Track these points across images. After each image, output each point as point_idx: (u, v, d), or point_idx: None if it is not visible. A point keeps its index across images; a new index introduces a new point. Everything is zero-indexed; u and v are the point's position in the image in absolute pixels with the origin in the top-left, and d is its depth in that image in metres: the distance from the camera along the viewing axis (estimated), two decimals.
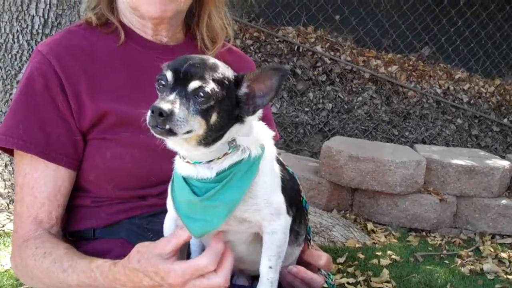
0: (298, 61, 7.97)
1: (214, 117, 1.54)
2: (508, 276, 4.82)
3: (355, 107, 7.96)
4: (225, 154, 1.63)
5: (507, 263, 5.12)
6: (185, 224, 1.73)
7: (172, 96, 1.51)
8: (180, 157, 1.69)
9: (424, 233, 5.72)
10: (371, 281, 4.50)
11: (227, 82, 1.57)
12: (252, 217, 1.72)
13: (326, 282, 2.12)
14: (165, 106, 1.47)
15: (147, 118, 1.50)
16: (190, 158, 1.65)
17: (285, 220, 1.76)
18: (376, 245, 5.20)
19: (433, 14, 8.11)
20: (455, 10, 8.01)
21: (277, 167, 1.78)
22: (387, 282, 4.50)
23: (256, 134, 1.69)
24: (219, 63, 1.60)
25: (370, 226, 5.63)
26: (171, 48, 2.27)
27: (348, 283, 4.40)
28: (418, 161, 5.66)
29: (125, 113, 2.06)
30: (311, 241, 2.17)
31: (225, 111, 1.56)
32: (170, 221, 1.84)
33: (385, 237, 5.41)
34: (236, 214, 1.68)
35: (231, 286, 2.01)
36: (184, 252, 1.83)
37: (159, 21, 2.19)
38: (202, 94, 1.51)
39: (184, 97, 1.51)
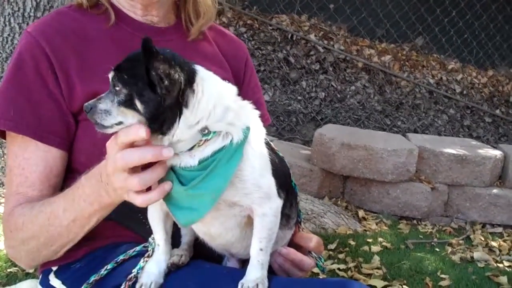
0: (292, 50, 7.95)
1: (139, 105, 1.56)
2: (498, 264, 4.84)
3: (348, 96, 7.96)
4: (205, 140, 1.63)
5: (497, 252, 5.14)
6: (172, 213, 1.72)
7: (104, 93, 1.61)
8: None
9: (415, 221, 5.74)
10: (361, 267, 4.51)
11: (138, 69, 1.58)
12: (242, 201, 1.71)
13: (316, 265, 2.13)
14: (90, 103, 1.61)
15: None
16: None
17: (276, 203, 1.75)
18: (367, 232, 5.22)
19: (427, 4, 8.11)
20: (449, 0, 8.01)
21: (265, 150, 1.78)
22: (378, 268, 4.51)
23: (232, 118, 1.66)
24: (140, 52, 1.57)
25: (361, 213, 5.64)
26: (163, 30, 2.26)
27: (339, 269, 4.41)
28: (410, 149, 5.67)
29: None
30: (302, 223, 2.18)
31: (146, 96, 1.57)
32: (156, 205, 1.83)
33: (376, 224, 5.43)
34: (226, 198, 1.67)
35: (222, 268, 2.03)
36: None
37: (147, 1, 2.18)
38: (115, 84, 1.58)
39: (110, 92, 1.60)
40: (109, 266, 1.92)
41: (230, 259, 2.09)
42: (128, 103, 1.57)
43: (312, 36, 7.98)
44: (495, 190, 5.83)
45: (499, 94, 8.12)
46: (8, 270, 3.67)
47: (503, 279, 4.49)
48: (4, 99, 2.04)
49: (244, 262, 2.08)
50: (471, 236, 5.47)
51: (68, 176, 2.11)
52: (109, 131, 1.63)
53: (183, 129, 1.61)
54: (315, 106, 7.85)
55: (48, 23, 2.15)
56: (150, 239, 1.96)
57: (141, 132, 1.56)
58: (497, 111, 8.10)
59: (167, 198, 1.73)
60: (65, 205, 1.93)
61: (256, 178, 1.72)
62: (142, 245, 1.97)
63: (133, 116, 1.57)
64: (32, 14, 4.72)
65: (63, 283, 2.03)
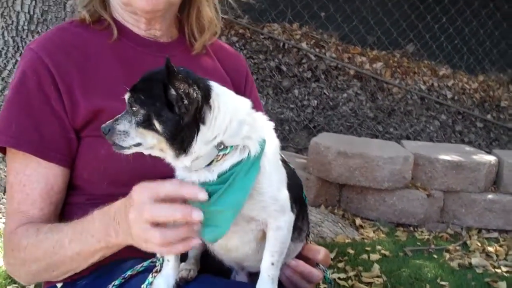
0: (284, 58, 7.97)
1: (157, 125, 1.57)
2: (496, 270, 4.86)
3: (340, 103, 7.97)
4: (223, 155, 1.62)
5: (495, 257, 5.16)
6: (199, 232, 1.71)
7: (121, 115, 1.64)
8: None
9: (411, 228, 5.75)
10: (361, 276, 4.50)
11: (156, 88, 1.58)
12: (259, 215, 1.72)
13: (324, 277, 2.13)
14: (108, 124, 1.64)
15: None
16: (180, 165, 1.67)
17: (290, 217, 1.76)
18: (365, 240, 5.22)
19: (417, 11, 8.15)
20: (440, 7, 8.06)
21: (280, 162, 1.77)
22: (378, 276, 4.51)
23: (247, 131, 1.67)
24: (160, 71, 1.59)
25: (358, 221, 5.64)
26: (165, 44, 2.28)
27: (339, 278, 4.40)
28: (405, 156, 5.68)
29: (119, 110, 2.06)
30: (309, 236, 2.17)
31: (165, 116, 1.58)
32: None
33: (374, 232, 5.43)
34: (244, 213, 1.68)
35: (231, 283, 2.02)
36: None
37: (151, 15, 2.18)
38: (132, 105, 1.60)
39: (127, 113, 1.62)
40: (116, 282, 1.91)
41: (239, 272, 2.08)
42: (146, 124, 1.59)
43: (303, 45, 8.00)
44: (490, 196, 5.85)
45: (490, 99, 8.16)
46: (8, 287, 3.63)
47: (502, 285, 4.51)
48: (7, 117, 2.04)
49: (253, 276, 2.08)
50: (468, 242, 5.48)
51: (70, 193, 2.12)
52: (127, 152, 1.66)
53: (201, 146, 1.62)
54: (308, 114, 7.86)
55: (50, 39, 2.15)
56: (157, 254, 1.95)
57: (202, 195, 1.58)
58: (488, 116, 8.13)
59: None
60: (72, 236, 1.91)
61: (274, 191, 1.74)
62: (150, 260, 1.97)
63: (153, 137, 1.60)
64: (26, 27, 4.71)
65: None
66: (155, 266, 1.90)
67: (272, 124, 1.76)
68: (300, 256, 2.05)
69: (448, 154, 5.95)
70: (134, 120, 1.59)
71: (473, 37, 8.22)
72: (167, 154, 1.64)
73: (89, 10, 2.20)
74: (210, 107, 1.61)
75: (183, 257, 1.92)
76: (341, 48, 8.19)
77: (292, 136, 7.72)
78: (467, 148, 6.52)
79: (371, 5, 8.21)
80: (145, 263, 1.96)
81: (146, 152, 1.67)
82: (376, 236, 5.35)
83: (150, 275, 1.86)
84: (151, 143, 1.61)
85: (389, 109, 7.99)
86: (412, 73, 8.21)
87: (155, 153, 1.67)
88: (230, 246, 1.84)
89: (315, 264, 2.11)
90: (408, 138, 7.80)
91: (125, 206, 1.71)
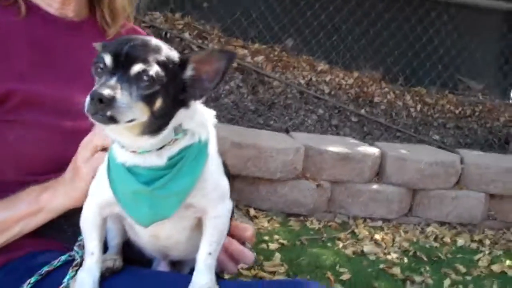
0: None
1: (158, 103, 1.45)
2: (387, 257, 5.07)
3: (222, 95, 7.94)
4: (175, 140, 1.55)
5: (383, 245, 5.38)
6: (132, 216, 1.66)
7: (112, 81, 1.41)
8: (120, 146, 1.58)
9: (301, 218, 5.85)
10: (263, 265, 4.51)
11: (171, 65, 1.48)
12: (198, 202, 1.67)
13: None
14: (105, 91, 1.37)
15: (86, 105, 1.38)
16: (136, 148, 1.54)
17: (229, 204, 1.72)
18: (261, 230, 5.23)
19: (298, 7, 8.29)
20: (319, 3, 8.25)
21: None
22: (280, 265, 4.54)
23: (201, 116, 1.62)
24: (163, 45, 1.51)
25: (252, 212, 5.65)
26: (76, 24, 2.17)
27: (242, 268, 4.37)
28: (297, 148, 5.78)
29: (28, 93, 1.93)
30: (234, 213, 2.13)
31: (170, 96, 1.47)
32: (94, 209, 1.74)
33: (268, 222, 5.47)
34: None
35: (162, 274, 1.93)
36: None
37: None
38: (146, 79, 1.41)
39: (126, 82, 1.41)
40: (32, 280, 1.79)
41: (161, 263, 2.01)
42: (149, 100, 1.43)
43: (186, 35, 7.88)
44: (374, 186, 6.10)
45: (364, 94, 8.48)
46: None
47: (396, 270, 4.71)
48: None
49: (175, 265, 2.02)
50: (356, 231, 5.67)
51: None
52: (118, 127, 1.46)
53: (170, 129, 1.52)
54: None
55: None
56: (75, 247, 1.85)
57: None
58: (362, 111, 8.45)
59: (124, 199, 1.63)
60: None
61: (216, 178, 1.70)
62: (68, 254, 1.87)
63: (143, 113, 1.44)
64: None
65: None
66: (74, 259, 1.81)
67: (213, 113, 1.70)
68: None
69: (335, 146, 6.11)
70: (138, 93, 1.41)
71: (349, 35, 8.51)
72: (133, 133, 1.50)
73: None
74: None
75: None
76: (223, 40, 8.16)
77: None
78: (351, 140, 6.75)
79: None
80: (63, 257, 1.85)
81: (117, 131, 1.51)
82: (270, 226, 5.39)
83: (70, 269, 1.76)
84: (141, 119, 1.45)
85: (270, 102, 8.07)
86: (292, 67, 8.34)
87: (119, 131, 1.51)
88: (162, 233, 1.76)
89: (241, 242, 2.06)
90: (287, 131, 7.92)
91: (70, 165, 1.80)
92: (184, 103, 1.52)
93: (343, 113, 8.42)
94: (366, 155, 6.03)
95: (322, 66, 8.48)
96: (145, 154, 1.54)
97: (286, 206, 5.82)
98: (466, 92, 9.19)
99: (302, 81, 8.33)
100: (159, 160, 1.55)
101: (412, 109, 8.52)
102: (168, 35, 7.83)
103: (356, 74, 8.60)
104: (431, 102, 8.59)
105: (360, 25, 8.44)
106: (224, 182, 1.72)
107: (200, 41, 7.97)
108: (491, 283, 4.77)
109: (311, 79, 8.38)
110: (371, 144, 6.66)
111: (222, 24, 8.17)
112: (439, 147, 7.53)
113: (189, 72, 1.50)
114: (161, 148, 1.54)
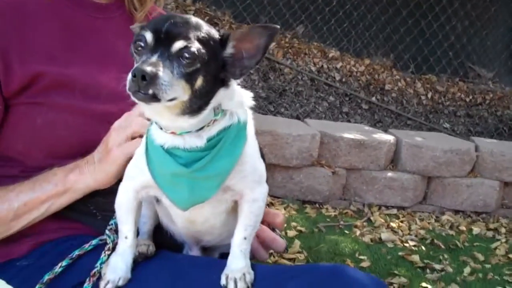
0: None
1: (199, 81, 1.43)
2: (405, 244, 5.05)
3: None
4: (214, 120, 1.52)
5: (400, 232, 5.36)
6: (170, 198, 1.64)
7: (154, 58, 1.39)
8: (159, 127, 1.56)
9: (317, 205, 5.82)
10: (284, 252, 4.49)
11: (212, 42, 1.46)
12: (236, 185, 1.66)
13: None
14: (148, 68, 1.34)
15: (127, 83, 1.37)
16: (175, 128, 1.52)
17: (266, 188, 1.72)
18: None
19: None
20: None
21: None
22: (299, 252, 4.52)
23: (239, 97, 1.60)
24: (203, 22, 1.49)
25: (268, 199, 5.61)
26: (104, 6, 2.15)
27: None
28: (313, 134, 5.74)
29: (58, 75, 1.90)
30: None
31: (211, 74, 1.45)
32: (130, 192, 1.71)
33: (285, 209, 5.44)
34: None
35: (196, 258, 1.90)
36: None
37: None
38: (187, 56, 1.39)
39: (167, 59, 1.39)
40: (64, 263, 1.77)
41: (193, 248, 1.99)
42: (191, 78, 1.41)
43: None
44: (389, 174, 6.06)
45: (375, 82, 8.46)
46: None
47: (416, 258, 4.70)
48: None
49: (206, 251, 2.00)
50: (371, 218, 5.65)
51: (1, 164, 1.94)
52: (159, 106, 1.44)
53: (209, 109, 1.50)
54: None
55: None
56: (107, 231, 1.84)
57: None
58: (373, 99, 8.43)
59: (163, 181, 1.61)
60: (21, 188, 1.82)
61: (255, 161, 1.69)
62: (99, 238, 1.85)
63: (185, 92, 1.42)
64: None
65: (8, 282, 1.82)
66: (106, 243, 1.79)
67: (251, 94, 1.68)
68: None
69: (350, 133, 6.08)
70: (179, 71, 1.39)
71: (360, 22, 8.46)
72: (172, 113, 1.47)
73: None
74: None
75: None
76: (234, 26, 8.11)
77: None
78: (366, 127, 6.71)
79: None
80: (94, 241, 1.84)
81: (157, 111, 1.49)
82: (287, 213, 5.36)
83: (103, 254, 1.74)
84: (183, 99, 1.43)
85: (281, 89, 8.05)
86: (303, 54, 8.31)
87: (159, 110, 1.49)
88: (199, 217, 1.75)
89: (271, 228, 2.04)
90: (298, 118, 7.90)
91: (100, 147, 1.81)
92: (224, 82, 1.50)
93: (354, 100, 8.39)
94: (381, 142, 5.99)
95: (333, 53, 8.46)
96: (184, 135, 1.52)
97: (301, 193, 5.79)
98: (477, 80, 9.16)
99: (313, 68, 8.30)
100: (198, 141, 1.53)
101: (423, 97, 8.51)
102: None
103: (367, 61, 8.58)
104: (441, 90, 8.57)
105: (371, 12, 8.39)
106: (262, 166, 1.71)
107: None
108: (510, 271, 4.75)
109: (322, 66, 8.35)
110: (385, 131, 6.61)
111: (233, 10, 8.13)
112: (450, 135, 7.51)
113: (229, 49, 1.48)
114: (200, 129, 1.52)
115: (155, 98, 1.37)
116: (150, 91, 1.36)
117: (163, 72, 1.37)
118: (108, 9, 2.16)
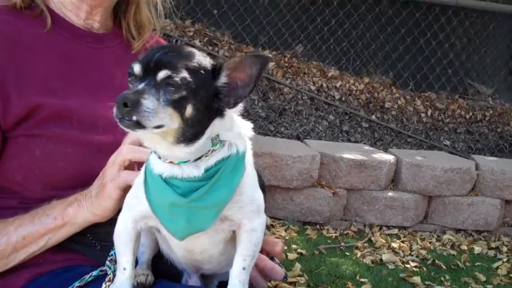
0: None
1: (189, 110, 1.44)
2: (406, 265, 5.04)
3: None
4: (212, 150, 1.53)
5: (401, 253, 5.35)
6: (167, 228, 1.65)
7: (140, 86, 1.42)
8: (158, 157, 1.57)
9: (318, 226, 5.81)
10: (283, 280, 4.47)
11: (203, 72, 1.47)
12: (234, 215, 1.67)
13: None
14: (130, 95, 1.38)
15: (114, 110, 1.40)
16: (173, 158, 1.53)
17: (264, 218, 1.72)
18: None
19: (308, 13, 8.28)
20: (329, 9, 8.23)
21: None
22: (300, 276, 4.51)
23: (238, 128, 1.61)
24: (197, 52, 1.50)
25: (268, 221, 5.61)
26: (101, 36, 2.17)
27: None
28: (313, 155, 5.75)
29: (56, 107, 1.92)
30: None
31: (201, 103, 1.46)
32: (128, 223, 1.72)
33: (285, 231, 5.43)
34: None
35: (182, 286, 1.91)
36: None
37: (98, 2, 2.06)
38: (172, 83, 1.41)
39: (153, 87, 1.41)
40: None
41: (192, 276, 2.00)
42: (177, 105, 1.42)
43: (197, 42, 7.86)
44: (390, 193, 6.06)
45: (374, 100, 8.47)
46: None
47: (417, 279, 4.68)
48: None
49: (206, 279, 2.01)
50: (372, 239, 5.64)
51: (0, 196, 1.95)
52: (144, 133, 1.48)
53: (206, 137, 1.51)
54: None
55: None
56: (107, 262, 1.85)
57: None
58: (373, 117, 8.43)
59: (161, 211, 1.62)
60: (20, 222, 1.82)
61: (252, 191, 1.70)
62: (99, 269, 1.85)
63: (174, 121, 1.44)
64: None
65: None
66: (106, 275, 1.81)
67: (251, 125, 1.70)
68: None
69: (350, 153, 6.08)
70: (165, 98, 1.41)
71: (359, 40, 8.49)
72: (167, 141, 1.49)
73: None
74: None
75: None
76: (234, 47, 8.14)
77: None
78: (366, 147, 6.71)
79: (263, 5, 8.24)
80: (94, 272, 1.86)
81: (152, 139, 1.52)
82: (288, 235, 5.35)
83: (104, 285, 1.75)
84: (171, 127, 1.44)
85: (280, 108, 8.06)
86: (302, 73, 8.33)
87: (154, 139, 1.51)
88: (197, 247, 1.76)
89: (270, 257, 2.06)
90: (298, 137, 7.90)
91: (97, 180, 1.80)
92: (218, 112, 1.51)
93: (354, 119, 8.40)
94: (381, 162, 6.00)
95: (332, 72, 8.47)
96: (182, 164, 1.53)
97: (302, 215, 5.79)
98: (476, 97, 9.16)
99: (313, 87, 8.32)
100: (196, 170, 1.54)
101: (422, 114, 8.50)
102: (179, 42, 7.81)
103: (366, 79, 8.59)
104: (441, 107, 8.57)
105: (370, 31, 8.42)
106: (260, 196, 1.71)
107: (210, 48, 7.96)
108: None
109: (321, 85, 8.37)
110: (385, 151, 6.61)
111: (232, 31, 8.16)
112: (451, 153, 7.51)
113: (223, 79, 1.49)
114: (198, 159, 1.53)
115: (139, 125, 1.40)
116: (134, 118, 1.38)
117: (147, 99, 1.39)
118: (106, 39, 2.18)
